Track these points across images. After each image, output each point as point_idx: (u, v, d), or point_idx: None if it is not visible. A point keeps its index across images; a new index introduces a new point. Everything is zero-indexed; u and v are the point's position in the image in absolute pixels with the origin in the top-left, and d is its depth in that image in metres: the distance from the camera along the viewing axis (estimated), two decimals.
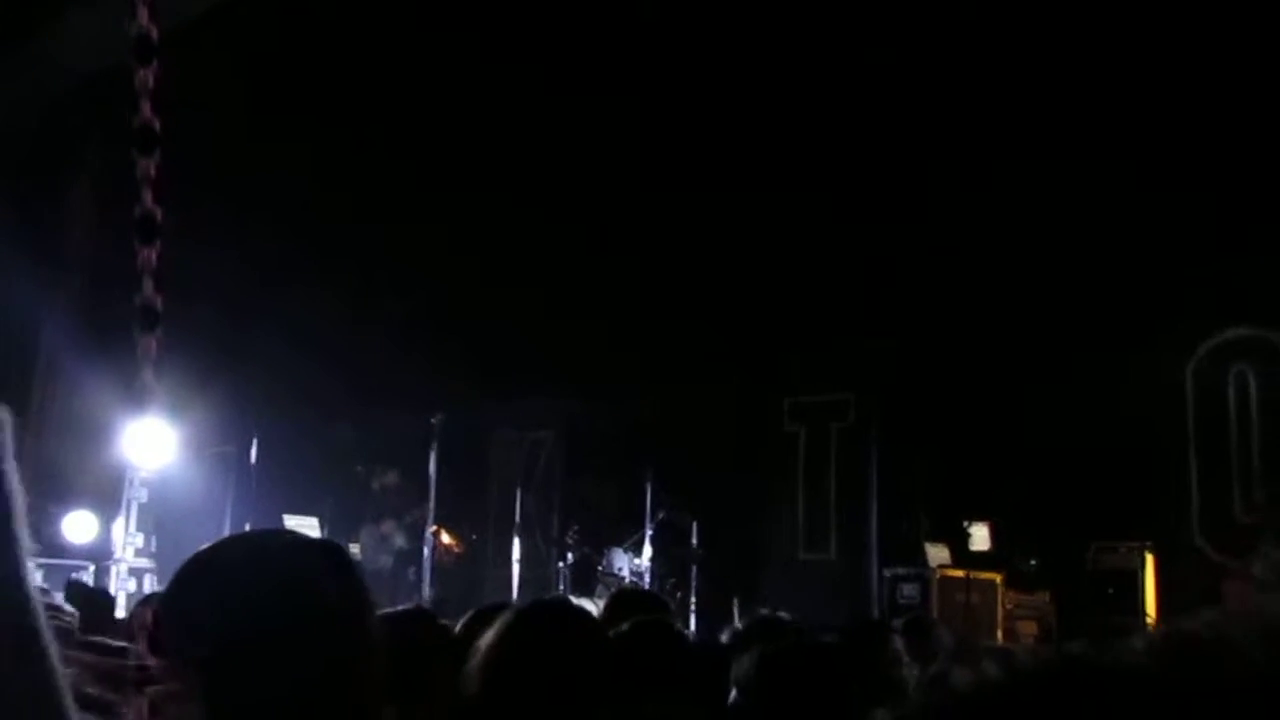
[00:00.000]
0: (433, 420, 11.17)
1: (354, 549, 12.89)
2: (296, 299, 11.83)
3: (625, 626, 3.56)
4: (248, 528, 11.90)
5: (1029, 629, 11.01)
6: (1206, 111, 8.46)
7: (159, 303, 0.93)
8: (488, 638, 2.55)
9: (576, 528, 12.63)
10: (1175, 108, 8.54)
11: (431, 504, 11.42)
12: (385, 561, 12.79)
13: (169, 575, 2.55)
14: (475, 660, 2.52)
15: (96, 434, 10.79)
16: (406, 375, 12.46)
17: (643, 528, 11.86)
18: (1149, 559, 10.45)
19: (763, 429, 12.71)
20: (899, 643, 6.32)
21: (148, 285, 0.92)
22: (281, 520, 12.42)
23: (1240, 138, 8.54)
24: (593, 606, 10.56)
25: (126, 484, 11.06)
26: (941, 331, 11.18)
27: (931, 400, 11.44)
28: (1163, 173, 8.98)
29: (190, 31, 7.62)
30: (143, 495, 10.46)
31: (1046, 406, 10.71)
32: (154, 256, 0.93)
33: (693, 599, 11.78)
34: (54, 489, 10.46)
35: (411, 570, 11.94)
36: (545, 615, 2.71)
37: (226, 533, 12.59)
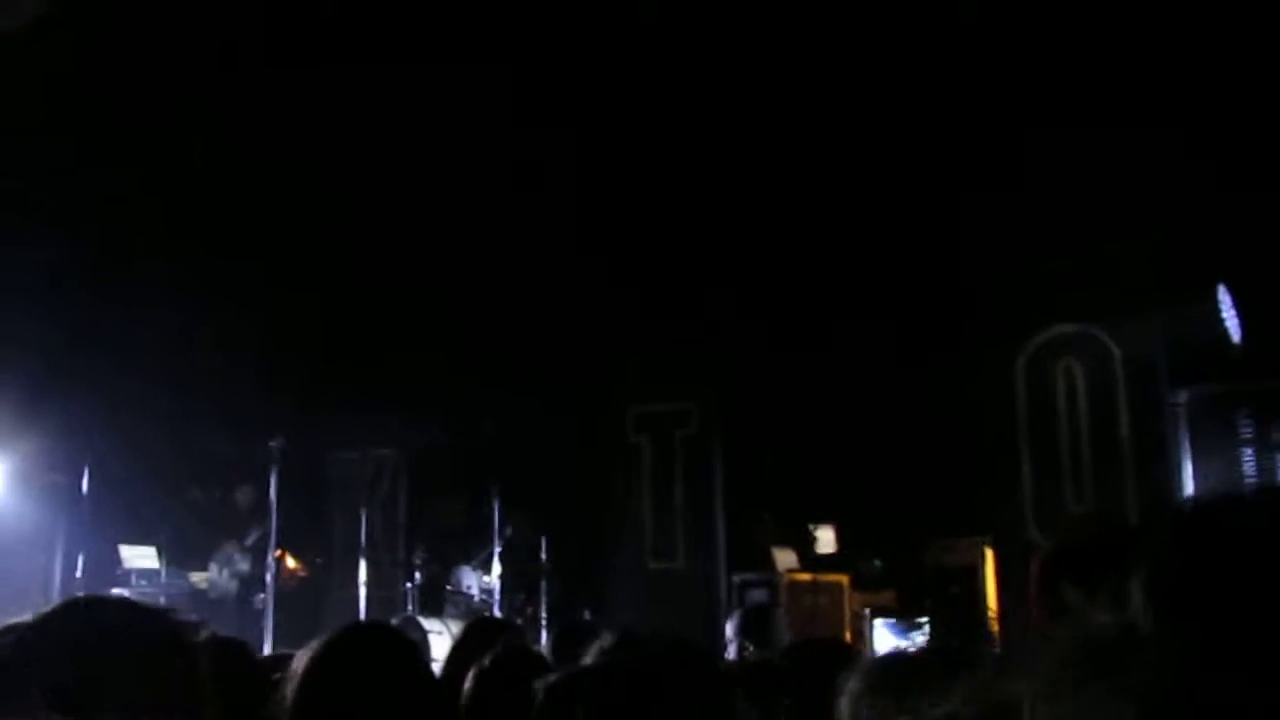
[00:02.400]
0: (272, 444, 10.93)
1: (200, 577, 12.57)
2: (130, 323, 11.48)
3: (487, 661, 3.53)
4: (80, 560, 11.55)
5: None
6: (1033, 110, 8.71)
7: None
8: (297, 664, 2.47)
9: (423, 547, 12.49)
10: (1003, 106, 8.77)
11: (274, 527, 11.18)
12: (230, 586, 12.48)
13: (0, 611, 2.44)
14: (287, 688, 2.44)
15: None
16: (243, 397, 12.18)
17: (491, 544, 11.78)
18: (988, 553, 10.73)
19: (607, 440, 12.74)
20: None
21: None
22: (117, 550, 12.06)
23: (1073, 136, 8.79)
24: (443, 626, 10.52)
25: None
26: (780, 336, 11.35)
27: (773, 406, 11.61)
28: (990, 169, 9.24)
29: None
30: None
31: (884, 407, 10.96)
32: None
33: (543, 614, 11.74)
34: None
35: (259, 597, 11.66)
36: (359, 642, 2.63)
37: (58, 565, 12.19)
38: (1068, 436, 10.23)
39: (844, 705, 2.24)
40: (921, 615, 10.45)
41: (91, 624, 1.93)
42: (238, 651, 3.75)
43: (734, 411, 12.12)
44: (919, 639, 10.20)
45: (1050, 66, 8.40)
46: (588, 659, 3.90)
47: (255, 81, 9.52)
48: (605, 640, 4.01)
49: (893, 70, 8.79)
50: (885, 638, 10.45)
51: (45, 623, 1.93)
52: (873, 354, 10.88)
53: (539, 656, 4.01)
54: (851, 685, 2.25)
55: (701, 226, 10.39)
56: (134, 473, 12.65)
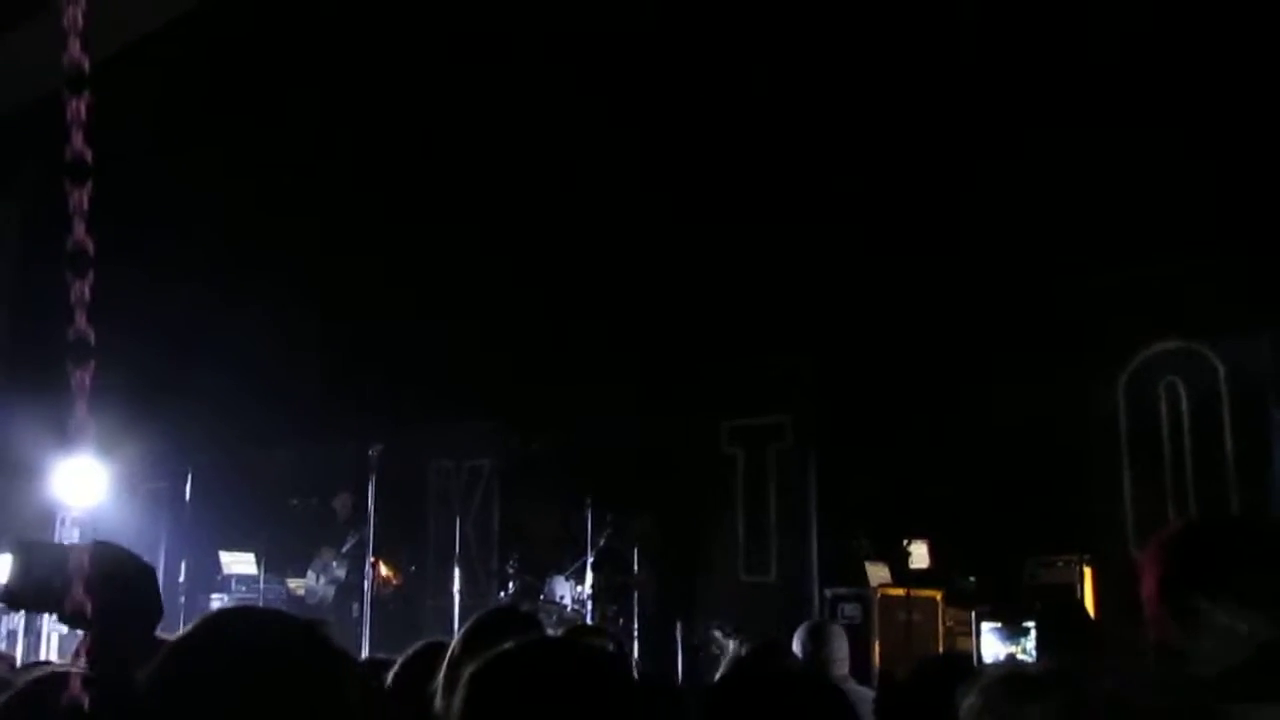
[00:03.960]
0: (370, 451, 11.07)
1: (298, 583, 12.77)
2: (231, 332, 11.70)
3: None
4: (183, 565, 11.79)
5: (968, 645, 11.06)
6: (1142, 118, 8.57)
7: (91, 336, 0.91)
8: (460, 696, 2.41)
9: (516, 556, 12.58)
10: (1109, 112, 8.64)
11: (370, 535, 11.32)
12: (327, 593, 12.66)
13: None
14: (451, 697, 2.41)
15: (26, 474, 10.60)
16: (342, 406, 12.37)
17: (583, 555, 11.83)
18: (1087, 572, 10.55)
19: (701, 452, 12.72)
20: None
21: (80, 318, 0.90)
22: (217, 556, 12.29)
23: (1170, 146, 8.65)
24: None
25: (58, 524, 10.90)
26: (876, 350, 11.26)
27: (869, 420, 11.52)
28: (1093, 183, 9.10)
29: (124, 58, 7.53)
30: (74, 535, 10.31)
31: (982, 421, 10.82)
32: (86, 289, 0.91)
33: (635, 625, 11.76)
34: None
35: (355, 605, 11.81)
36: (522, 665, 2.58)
37: (160, 570, 12.43)
38: (1170, 454, 10.04)
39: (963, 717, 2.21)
40: (1027, 620, 10.20)
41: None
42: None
43: (828, 425, 12.05)
44: (1028, 645, 10.00)
45: (1153, 66, 8.26)
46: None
47: (357, 87, 9.68)
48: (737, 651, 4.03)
49: (990, 69, 8.70)
50: (992, 644, 10.27)
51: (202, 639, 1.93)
52: (970, 367, 10.76)
53: (631, 661, 4.03)
54: (970, 701, 2.22)
55: (799, 237, 10.35)
56: (234, 481, 12.90)
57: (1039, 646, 9.69)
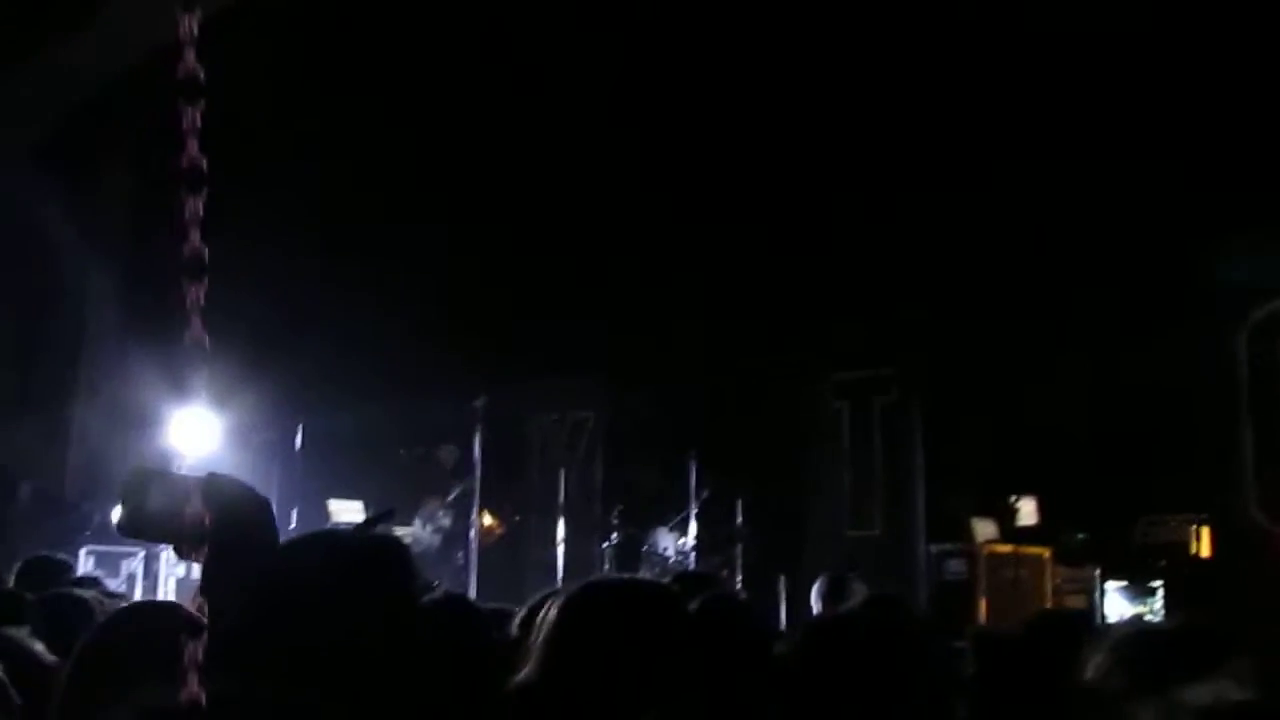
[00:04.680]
0: (475, 404, 11.16)
1: (405, 531, 12.95)
2: (340, 287, 11.85)
3: (694, 605, 3.53)
4: (294, 514, 12.00)
5: (1078, 603, 10.90)
6: (1251, 83, 8.31)
7: (205, 253, 0.91)
8: (548, 616, 2.47)
9: (620, 508, 12.62)
10: (1209, 80, 8.39)
11: (476, 485, 11.43)
12: (433, 541, 12.83)
13: None
14: (534, 640, 2.45)
15: (142, 423, 10.85)
16: (448, 358, 12.47)
17: (687, 507, 11.83)
18: (1203, 531, 10.32)
19: (806, 406, 12.65)
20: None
21: (194, 235, 0.90)
22: (326, 505, 12.48)
23: None
24: None
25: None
26: (984, 303, 11.08)
27: (976, 373, 11.35)
28: (1212, 136, 8.85)
29: (232, 20, 7.60)
30: None
31: (1093, 376, 10.61)
32: (200, 207, 0.90)
33: (738, 578, 11.75)
34: (101, 477, 10.52)
35: (460, 554, 11.95)
36: (613, 592, 2.62)
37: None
38: None
39: (1091, 679, 2.14)
40: (1153, 580, 9.99)
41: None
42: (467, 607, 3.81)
43: (935, 379, 11.90)
44: (1154, 605, 9.81)
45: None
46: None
47: (451, 59, 9.70)
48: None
49: (1087, 37, 8.49)
50: (1117, 603, 10.08)
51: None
52: (1082, 320, 10.54)
53: (745, 604, 4.01)
54: (1099, 660, 2.15)
55: (905, 191, 10.20)
56: (342, 433, 13.08)
57: (1167, 606, 9.50)
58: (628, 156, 10.49)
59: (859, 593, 6.97)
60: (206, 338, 0.98)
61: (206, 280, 0.99)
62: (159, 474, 1.98)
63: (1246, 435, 9.94)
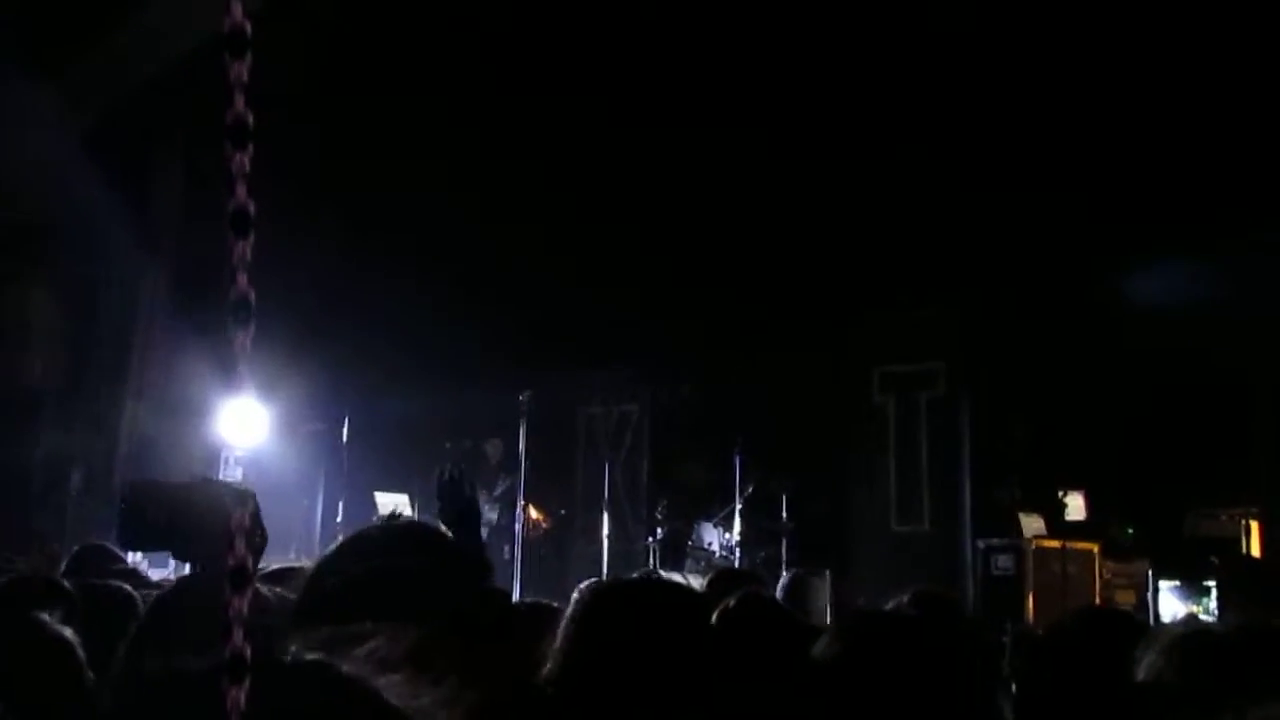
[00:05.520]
0: (521, 397, 11.19)
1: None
2: (385, 279, 11.91)
3: (731, 602, 3.52)
4: (340, 505, 12.09)
5: (1127, 599, 10.80)
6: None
7: (252, 296, 0.92)
8: (567, 614, 2.48)
9: (665, 502, 12.61)
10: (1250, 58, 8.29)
11: (521, 479, 11.46)
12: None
13: (265, 554, 2.60)
14: (552, 640, 2.45)
15: (192, 413, 10.95)
16: (494, 351, 12.52)
17: (732, 501, 11.81)
18: (1253, 526, 10.21)
19: (852, 400, 12.60)
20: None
21: (241, 279, 0.91)
22: (373, 497, 12.55)
23: None
24: (684, 581, 10.62)
25: (222, 462, 11.25)
26: (1030, 296, 11.01)
27: (1022, 367, 11.27)
28: (1256, 122, 8.75)
29: (268, 10, 7.64)
30: (237, 473, 10.63)
31: (1141, 370, 10.51)
32: (247, 250, 0.92)
33: (784, 573, 11.71)
34: (151, 468, 10.62)
35: (506, 547, 11.99)
36: (630, 592, 2.63)
37: (319, 510, 12.79)
38: None
39: (1144, 680, 2.11)
40: (1206, 579, 9.84)
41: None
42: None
43: (981, 372, 11.82)
44: (1209, 604, 9.67)
45: None
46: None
47: (488, 56, 9.71)
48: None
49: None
50: (1170, 602, 9.95)
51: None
52: (1132, 310, 10.44)
53: (779, 604, 4.00)
54: (1153, 660, 2.12)
55: (954, 181, 10.14)
56: (389, 424, 13.16)
57: (1221, 605, 9.37)
58: (672, 148, 10.47)
59: (819, 589, 6.99)
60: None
61: (252, 326, 1.01)
62: (149, 485, 2.04)
63: None
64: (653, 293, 11.99)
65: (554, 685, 2.33)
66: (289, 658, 1.18)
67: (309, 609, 2.07)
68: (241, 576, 0.99)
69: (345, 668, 1.21)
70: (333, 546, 2.40)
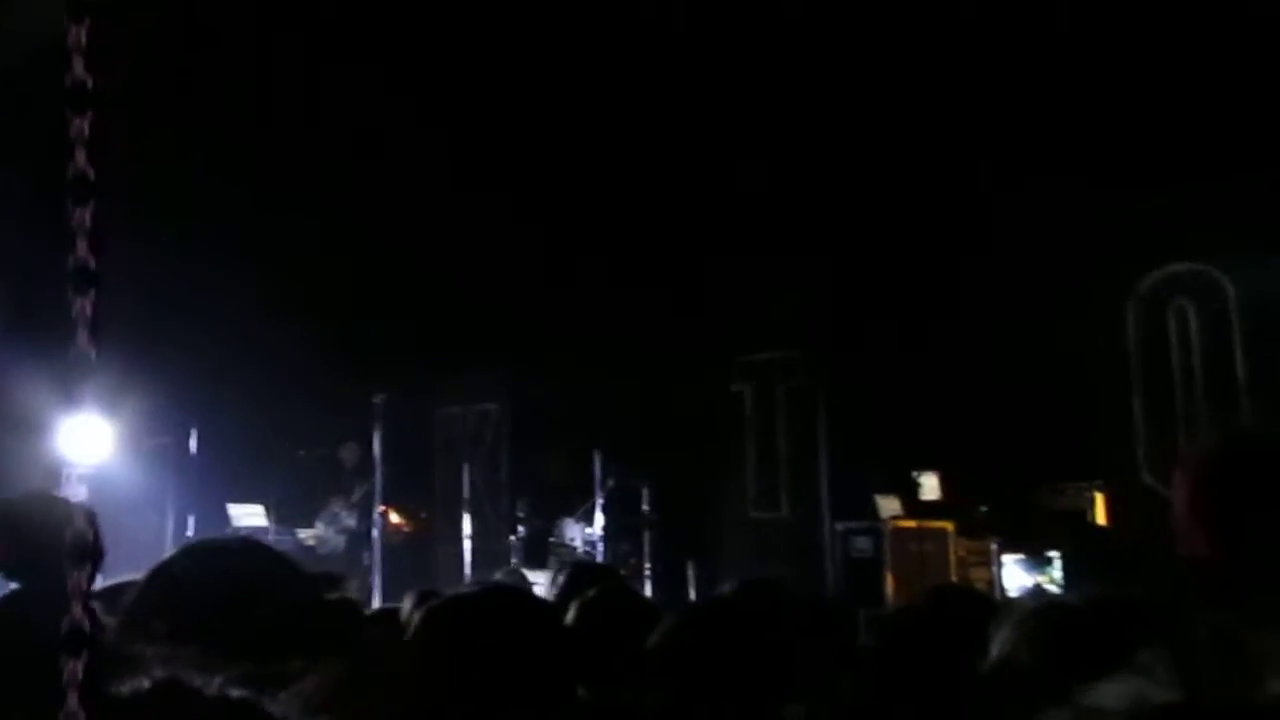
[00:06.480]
0: (375, 400, 11.03)
1: (308, 533, 12.78)
2: (228, 284, 11.61)
3: (583, 599, 3.50)
4: (191, 519, 11.79)
5: (982, 575, 11.04)
6: (1150, 41, 8.46)
7: (93, 263, 0.88)
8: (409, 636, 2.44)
9: (526, 500, 12.57)
10: (1117, 34, 8.52)
11: (378, 484, 11.30)
12: (338, 542, 12.67)
13: (112, 572, 2.53)
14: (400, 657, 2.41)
15: (31, 431, 10.57)
16: (347, 354, 12.31)
17: (593, 497, 11.81)
18: (1099, 499, 10.52)
19: (709, 390, 12.68)
20: None
21: (81, 246, 0.86)
22: (225, 510, 12.27)
23: (1179, 73, 8.54)
24: (546, 579, 10.59)
25: (64, 480, 10.87)
26: (883, 281, 11.18)
27: (876, 353, 11.45)
28: (1102, 107, 8.99)
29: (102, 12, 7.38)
30: (81, 491, 10.27)
31: (988, 351, 10.75)
32: (87, 217, 0.87)
33: (647, 565, 11.76)
34: None
35: (366, 554, 11.82)
36: (465, 606, 2.58)
37: (169, 525, 12.45)
38: (1181, 377, 10.01)
39: (995, 657, 2.13)
40: (1051, 550, 10.08)
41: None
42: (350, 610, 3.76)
43: (836, 359, 11.99)
44: (1054, 575, 9.91)
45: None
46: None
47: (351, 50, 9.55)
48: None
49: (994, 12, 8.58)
50: (1016, 575, 10.18)
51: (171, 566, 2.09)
52: (978, 295, 10.68)
53: (640, 595, 4.02)
54: (1005, 635, 2.14)
55: (806, 172, 10.25)
56: (240, 433, 12.87)
57: (1067, 576, 9.63)
58: (528, 148, 10.42)
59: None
60: (94, 346, 0.94)
61: (93, 295, 0.96)
62: None
63: (1136, 402, 10.19)
64: (507, 291, 11.92)
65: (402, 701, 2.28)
66: (213, 691, 1.14)
67: (142, 616, 2.01)
68: (74, 594, 0.95)
69: (272, 708, 1.17)
70: (167, 555, 2.33)
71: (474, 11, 9.19)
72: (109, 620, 2.24)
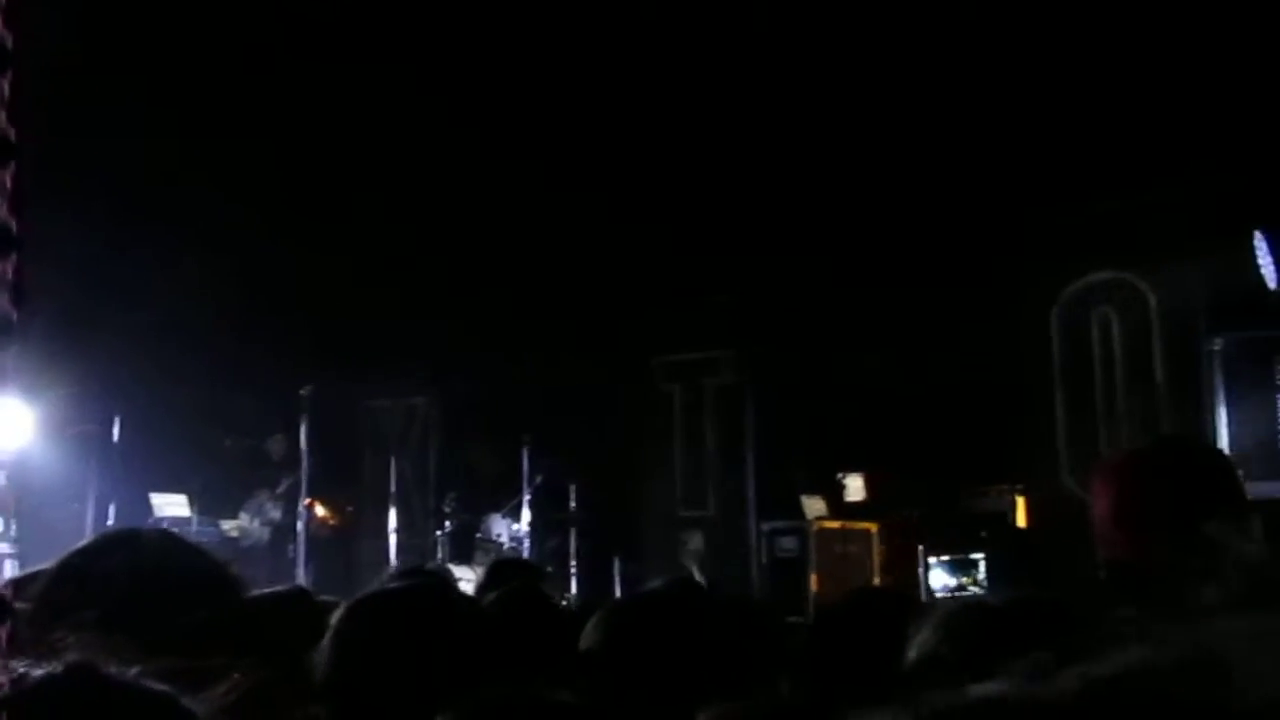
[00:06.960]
0: (303, 392, 10.93)
1: (231, 525, 12.63)
2: (156, 268, 11.45)
3: (491, 597, 3.51)
4: (112, 508, 11.61)
5: (905, 577, 11.13)
6: (1075, 50, 8.58)
7: (14, 226, 0.87)
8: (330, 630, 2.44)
9: (454, 495, 12.52)
10: (1047, 44, 8.64)
11: (304, 476, 11.19)
12: (262, 535, 12.55)
13: (32, 559, 2.53)
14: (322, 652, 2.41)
15: None
16: (275, 345, 12.20)
17: (521, 493, 11.79)
18: (1019, 501, 10.68)
19: (637, 388, 12.72)
20: None
21: (1, 207, 0.86)
22: (148, 499, 12.10)
23: (1104, 91, 8.69)
24: (472, 574, 10.56)
25: None
26: (811, 283, 11.26)
27: (804, 354, 11.53)
28: (1028, 116, 9.12)
29: None
30: (0, 479, 10.12)
31: (915, 354, 10.87)
32: (7, 177, 0.86)
33: (573, 562, 11.77)
34: None
35: (290, 546, 11.71)
36: (381, 602, 2.58)
37: (90, 514, 12.26)
38: (1102, 383, 10.19)
39: (915, 657, 2.16)
40: (975, 552, 10.20)
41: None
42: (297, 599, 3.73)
43: (764, 360, 12.07)
44: (978, 577, 10.03)
45: (1091, 7, 8.27)
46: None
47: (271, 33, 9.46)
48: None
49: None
50: (940, 577, 10.28)
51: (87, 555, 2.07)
52: (905, 300, 10.79)
53: (547, 595, 4.02)
54: (924, 637, 2.17)
55: (732, 171, 10.30)
56: (165, 422, 12.69)
57: (990, 577, 9.75)
58: (457, 142, 10.38)
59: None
60: (15, 320, 0.94)
61: (15, 256, 0.95)
62: None
63: (1059, 406, 10.36)
64: (436, 287, 11.88)
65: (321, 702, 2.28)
66: (129, 679, 1.14)
67: (53, 604, 2.00)
68: None
69: (192, 706, 1.17)
70: (80, 544, 2.33)
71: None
72: (22, 606, 2.22)
